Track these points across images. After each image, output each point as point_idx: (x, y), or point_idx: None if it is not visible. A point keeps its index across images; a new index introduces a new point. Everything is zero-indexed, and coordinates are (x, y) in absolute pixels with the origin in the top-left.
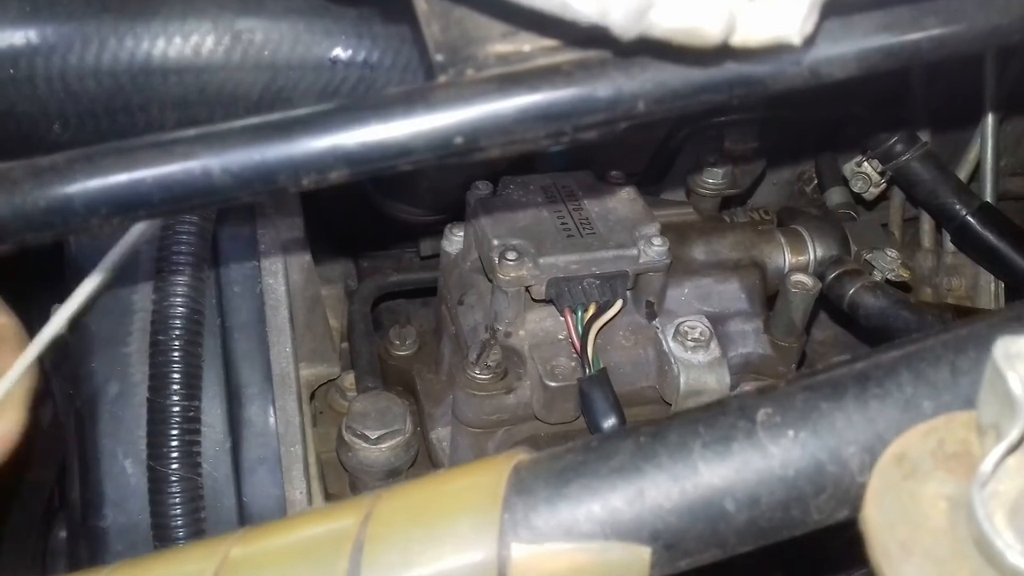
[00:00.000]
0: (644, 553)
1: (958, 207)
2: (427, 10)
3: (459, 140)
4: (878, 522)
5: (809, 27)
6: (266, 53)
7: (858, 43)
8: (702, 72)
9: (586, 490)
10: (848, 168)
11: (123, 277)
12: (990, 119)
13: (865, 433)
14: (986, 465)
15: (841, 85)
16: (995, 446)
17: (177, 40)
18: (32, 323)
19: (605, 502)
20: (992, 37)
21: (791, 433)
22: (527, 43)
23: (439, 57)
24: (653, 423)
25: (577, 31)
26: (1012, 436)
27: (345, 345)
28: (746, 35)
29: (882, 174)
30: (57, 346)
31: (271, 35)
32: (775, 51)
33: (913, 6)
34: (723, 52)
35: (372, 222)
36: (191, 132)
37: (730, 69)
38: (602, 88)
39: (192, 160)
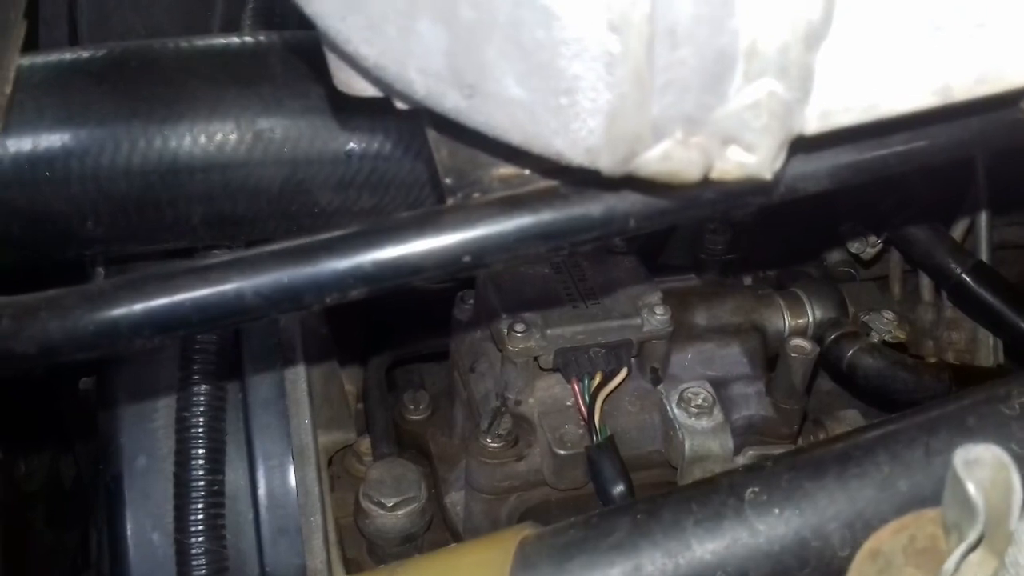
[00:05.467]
0: None
1: (953, 266)
2: (436, 137)
3: (467, 259)
4: None
5: (778, 163)
6: (286, 149)
7: (829, 161)
8: (687, 195)
9: (587, 566)
10: (844, 230)
11: (150, 355)
12: (983, 173)
13: (846, 510)
14: (949, 564)
15: None
16: (957, 546)
17: (202, 139)
18: None
19: None
20: (954, 150)
21: (777, 511)
22: (527, 167)
23: (448, 180)
24: (650, 499)
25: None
26: (971, 538)
27: (360, 406)
28: (722, 172)
29: (878, 235)
30: (80, 412)
31: (290, 132)
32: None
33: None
34: (703, 183)
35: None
36: (225, 258)
37: (711, 193)
38: (596, 208)
39: (226, 284)
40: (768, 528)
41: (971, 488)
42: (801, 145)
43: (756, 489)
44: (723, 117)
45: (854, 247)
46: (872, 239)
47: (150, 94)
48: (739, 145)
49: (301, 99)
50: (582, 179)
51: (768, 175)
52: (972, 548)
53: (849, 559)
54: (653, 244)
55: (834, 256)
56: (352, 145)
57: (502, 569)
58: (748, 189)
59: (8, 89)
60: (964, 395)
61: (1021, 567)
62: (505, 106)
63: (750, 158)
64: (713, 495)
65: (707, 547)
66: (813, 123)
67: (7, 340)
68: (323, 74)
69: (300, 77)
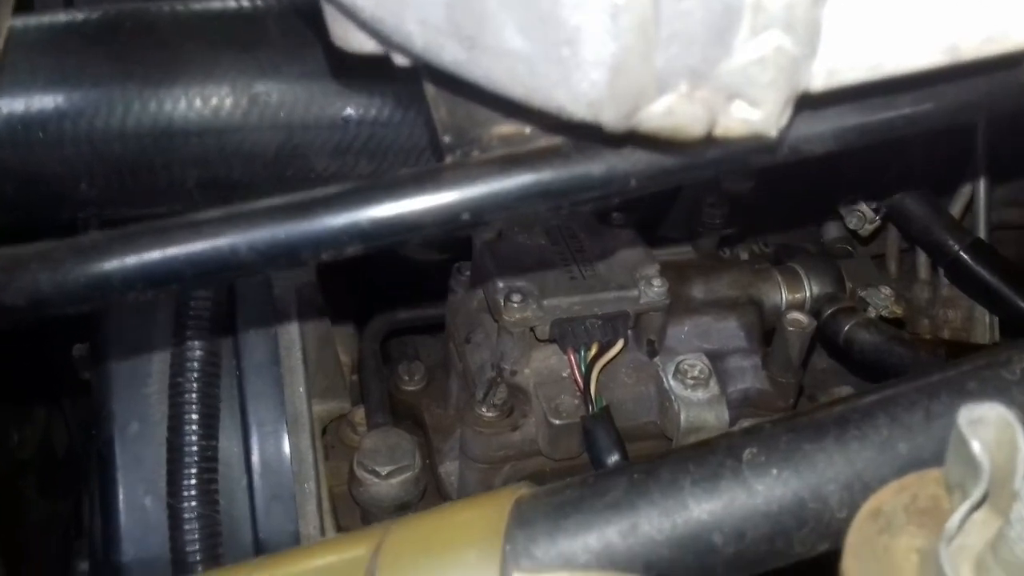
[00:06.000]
0: None
1: (951, 243)
2: (435, 94)
3: (466, 216)
4: (855, 573)
5: (783, 121)
6: (282, 114)
7: (834, 122)
8: (689, 153)
9: (583, 524)
10: (843, 206)
11: (144, 320)
12: (982, 153)
13: (844, 472)
14: (952, 522)
15: None
16: (961, 504)
17: (197, 103)
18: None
19: (601, 535)
20: (960, 113)
21: (775, 472)
22: (528, 125)
23: (447, 139)
24: (647, 461)
25: (573, 121)
26: (975, 496)
27: (355, 378)
28: (726, 129)
29: (876, 211)
30: (75, 384)
31: (286, 97)
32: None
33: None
34: (707, 140)
35: (381, 260)
36: (219, 212)
37: (715, 151)
38: (596, 168)
39: (221, 239)
40: (766, 489)
41: (976, 446)
42: (807, 103)
43: (754, 450)
44: (728, 71)
45: (852, 223)
46: (870, 215)
47: (145, 56)
48: (744, 100)
49: (298, 63)
50: (583, 137)
51: (773, 132)
52: (976, 507)
53: (847, 521)
54: (651, 217)
55: (831, 232)
56: (349, 111)
57: (497, 526)
58: (752, 148)
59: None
60: (965, 361)
61: None
62: (505, 58)
63: (755, 114)
64: (711, 456)
65: (704, 507)
66: (819, 80)
67: None
68: (320, 39)
69: (297, 42)
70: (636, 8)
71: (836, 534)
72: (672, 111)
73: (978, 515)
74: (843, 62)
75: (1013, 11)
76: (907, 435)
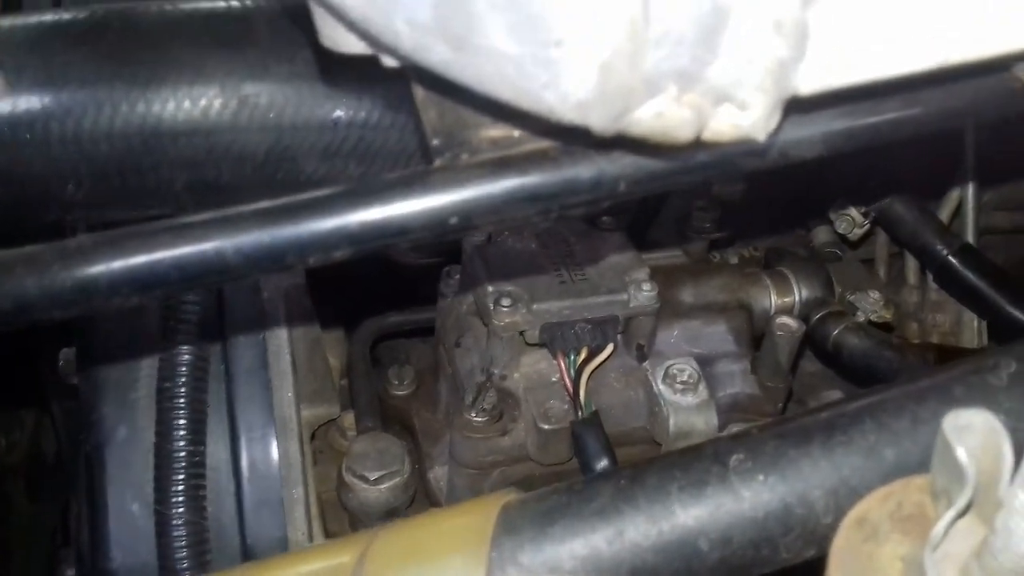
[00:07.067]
0: None
1: (939, 248)
2: (424, 97)
3: (454, 220)
4: None
5: (772, 124)
6: (271, 115)
7: (822, 127)
8: (678, 157)
9: (569, 530)
10: (833, 210)
11: (131, 324)
12: (971, 157)
13: (830, 478)
14: (937, 530)
15: None
16: (946, 511)
17: (186, 104)
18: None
19: (587, 541)
20: (946, 119)
21: (761, 477)
22: (516, 129)
23: (435, 142)
24: (634, 466)
25: (562, 124)
26: (960, 503)
27: (344, 382)
28: (715, 133)
29: (865, 215)
30: (64, 389)
31: (276, 98)
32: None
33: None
34: (696, 144)
35: (370, 264)
36: (205, 216)
37: (704, 155)
38: (585, 171)
39: (206, 243)
40: (752, 494)
41: (961, 453)
42: (795, 107)
43: (741, 456)
44: (717, 74)
45: (842, 228)
46: (860, 219)
47: (132, 57)
48: (732, 104)
49: (287, 64)
50: (572, 141)
51: (762, 136)
52: (961, 514)
53: (833, 526)
54: (641, 221)
55: (821, 237)
56: (339, 113)
57: (484, 532)
58: (741, 151)
59: None
60: (952, 366)
61: (1012, 532)
62: (494, 59)
63: (744, 118)
64: (697, 462)
65: (691, 513)
66: (808, 83)
67: None
68: (310, 39)
69: (286, 42)
70: (625, 9)
71: (822, 540)
72: (661, 114)
73: (963, 523)
74: (832, 65)
75: (1001, 15)
76: (894, 441)
